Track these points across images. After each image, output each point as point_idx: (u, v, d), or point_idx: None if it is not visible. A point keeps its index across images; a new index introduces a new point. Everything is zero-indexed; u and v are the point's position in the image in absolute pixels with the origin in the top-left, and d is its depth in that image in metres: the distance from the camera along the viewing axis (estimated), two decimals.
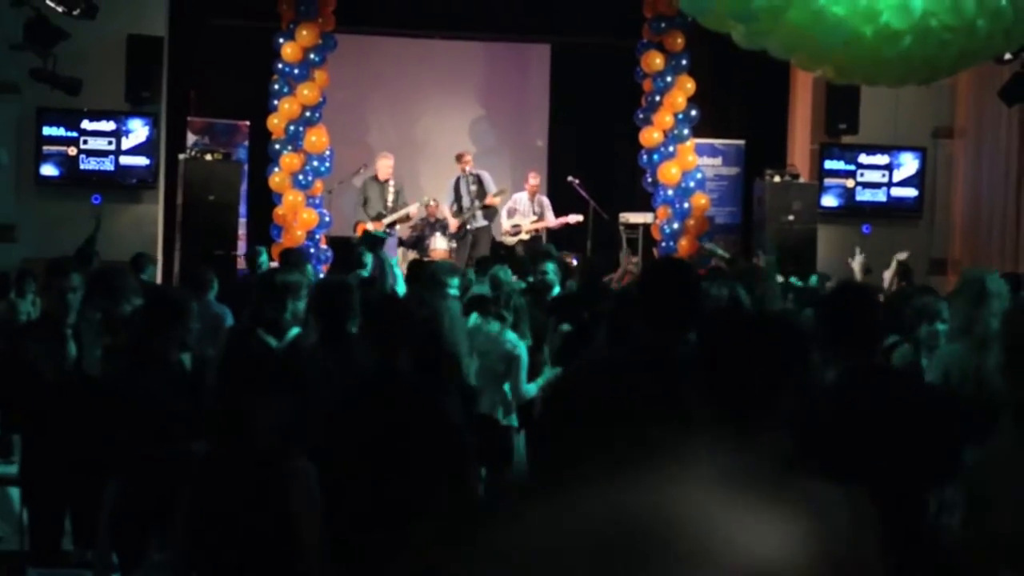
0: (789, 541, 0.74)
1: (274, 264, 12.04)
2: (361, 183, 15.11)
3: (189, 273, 8.37)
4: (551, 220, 15.16)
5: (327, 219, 15.36)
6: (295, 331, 6.13)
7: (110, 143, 14.17)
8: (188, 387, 5.49)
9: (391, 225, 14.69)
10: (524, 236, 15.09)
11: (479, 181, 15.04)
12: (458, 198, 15.05)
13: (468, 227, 14.90)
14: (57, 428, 5.87)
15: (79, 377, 6.06)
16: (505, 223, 15.28)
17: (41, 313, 6.79)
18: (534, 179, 15.42)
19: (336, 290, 5.83)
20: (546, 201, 15.34)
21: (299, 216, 15.12)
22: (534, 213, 15.21)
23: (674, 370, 3.60)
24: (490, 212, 15.12)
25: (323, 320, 5.65)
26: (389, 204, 14.76)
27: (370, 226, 14.51)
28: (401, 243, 15.09)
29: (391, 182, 14.90)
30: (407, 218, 14.86)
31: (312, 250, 15.00)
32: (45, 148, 14.01)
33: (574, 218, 15.05)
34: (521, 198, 15.36)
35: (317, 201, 15.38)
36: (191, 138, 14.94)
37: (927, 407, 3.97)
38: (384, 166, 14.94)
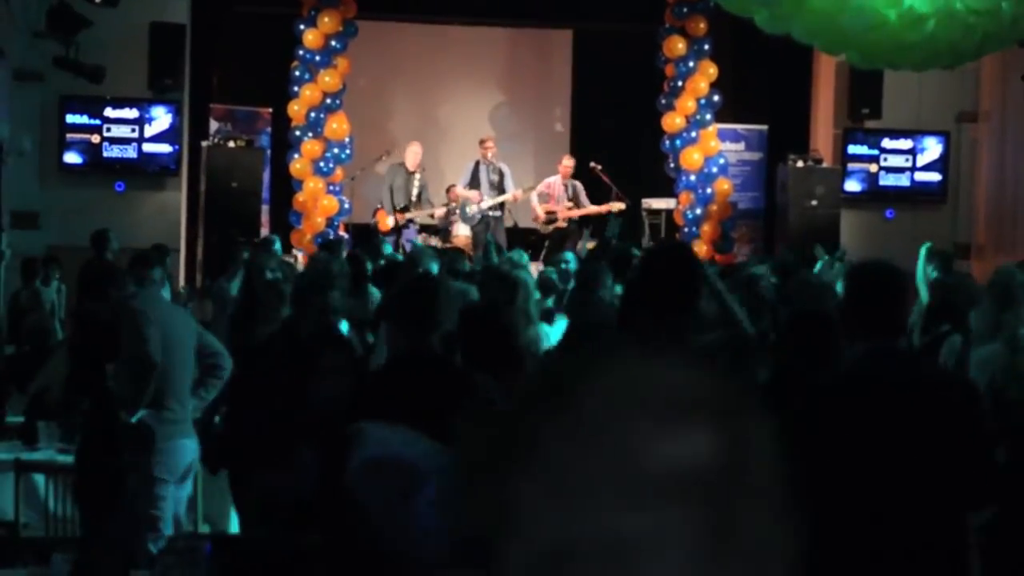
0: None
1: (288, 258, 12.10)
2: (387, 170, 15.02)
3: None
4: (588, 206, 14.86)
5: (347, 206, 15.36)
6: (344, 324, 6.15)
7: (133, 130, 14.19)
8: None
9: (412, 220, 14.62)
10: (561, 224, 14.93)
11: (500, 174, 14.86)
12: (475, 183, 14.89)
13: (488, 213, 14.74)
14: None
15: None
16: (538, 209, 14.94)
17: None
18: (568, 161, 15.09)
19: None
20: (579, 185, 15.04)
21: (319, 203, 15.13)
22: (568, 199, 15.01)
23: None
24: (503, 207, 14.89)
25: None
26: (413, 198, 14.65)
27: (390, 220, 14.47)
28: (423, 229, 15.01)
29: (418, 174, 14.77)
30: (431, 217, 14.74)
31: (332, 237, 15.01)
32: (68, 136, 14.06)
33: (616, 206, 14.66)
34: (555, 182, 15.12)
35: (337, 188, 15.37)
36: (213, 125, 14.96)
37: (944, 394, 3.82)
38: (413, 154, 14.78)
